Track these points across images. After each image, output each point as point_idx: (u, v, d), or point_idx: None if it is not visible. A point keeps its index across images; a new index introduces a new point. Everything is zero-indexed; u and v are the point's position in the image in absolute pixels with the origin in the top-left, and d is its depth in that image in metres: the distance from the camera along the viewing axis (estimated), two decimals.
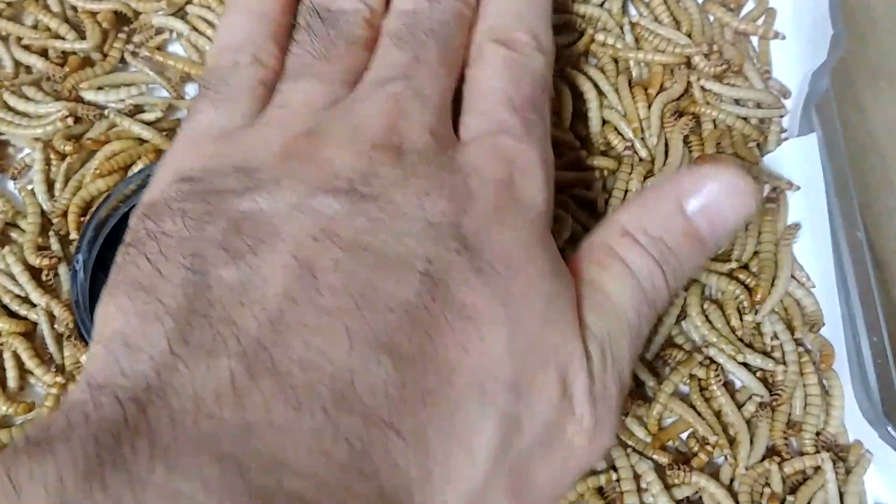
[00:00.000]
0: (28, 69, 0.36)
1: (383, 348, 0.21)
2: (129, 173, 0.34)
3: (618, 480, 0.31)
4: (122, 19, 0.37)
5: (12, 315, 0.32)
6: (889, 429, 0.31)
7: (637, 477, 0.31)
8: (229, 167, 0.25)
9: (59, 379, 0.31)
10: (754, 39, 0.39)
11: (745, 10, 0.39)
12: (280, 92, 0.28)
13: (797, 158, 0.35)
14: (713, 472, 0.31)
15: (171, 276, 0.22)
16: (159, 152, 0.35)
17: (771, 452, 0.32)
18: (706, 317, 0.33)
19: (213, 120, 0.27)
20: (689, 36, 0.38)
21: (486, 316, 0.23)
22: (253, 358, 0.20)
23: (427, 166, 0.25)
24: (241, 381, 0.20)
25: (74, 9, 0.37)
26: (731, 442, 0.32)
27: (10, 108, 0.35)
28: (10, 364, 0.31)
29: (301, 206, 0.23)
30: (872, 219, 0.44)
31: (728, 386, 0.33)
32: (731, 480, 0.31)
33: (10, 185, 0.34)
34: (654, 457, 0.31)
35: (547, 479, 0.23)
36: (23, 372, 0.31)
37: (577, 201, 0.35)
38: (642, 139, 0.36)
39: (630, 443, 0.32)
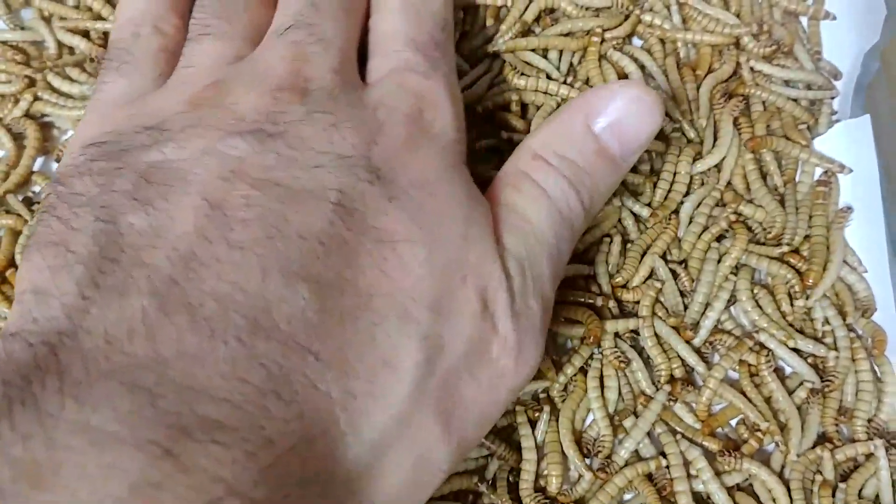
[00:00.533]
0: (71, 50, 0.36)
1: (298, 276, 0.22)
2: None
3: (667, 467, 0.30)
4: None
5: None
6: None
7: (687, 463, 0.31)
8: (139, 127, 0.25)
9: None
10: (804, 20, 0.38)
11: None
12: (184, 55, 0.28)
13: (849, 141, 0.35)
14: (764, 459, 0.31)
15: (83, 229, 0.22)
16: None
17: (822, 439, 0.31)
18: (756, 302, 0.33)
19: (119, 88, 0.27)
20: (738, 16, 0.37)
21: (404, 238, 0.23)
22: (165, 294, 0.21)
23: (334, 102, 0.25)
24: (154, 316, 0.20)
25: None
26: (782, 429, 0.31)
27: (54, 90, 0.35)
28: None
29: (209, 151, 0.24)
30: None
31: (778, 372, 0.32)
32: (782, 468, 0.31)
33: (55, 166, 0.34)
34: (704, 443, 0.31)
35: (476, 400, 0.24)
36: None
37: (625, 185, 0.34)
38: (691, 121, 0.35)
39: (679, 429, 0.31)
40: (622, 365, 0.32)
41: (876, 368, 0.32)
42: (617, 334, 0.32)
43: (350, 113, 0.25)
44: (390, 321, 0.22)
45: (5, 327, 0.21)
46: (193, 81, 0.26)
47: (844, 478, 0.31)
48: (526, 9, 0.37)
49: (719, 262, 0.33)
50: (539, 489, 0.30)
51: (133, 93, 0.27)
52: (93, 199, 0.23)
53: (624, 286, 0.33)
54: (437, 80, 0.27)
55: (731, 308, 0.33)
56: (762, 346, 0.32)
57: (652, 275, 0.33)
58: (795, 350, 0.32)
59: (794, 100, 0.36)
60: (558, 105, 0.35)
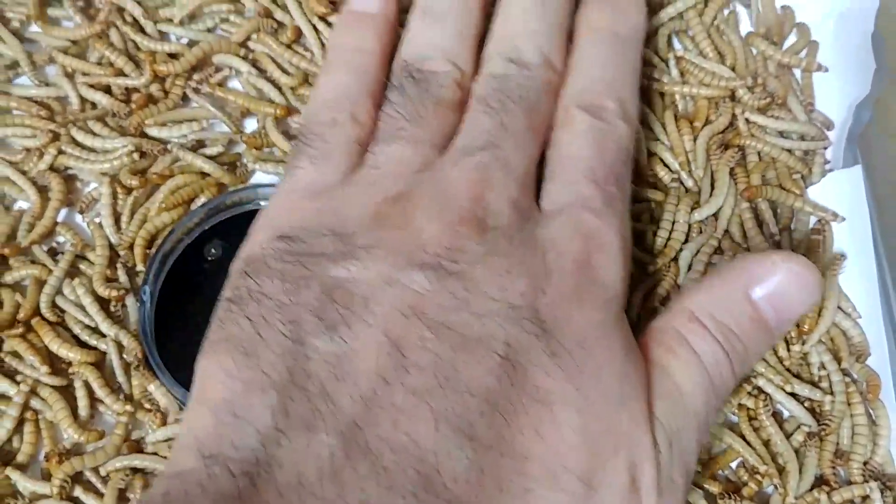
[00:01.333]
0: (93, 105, 0.37)
1: (464, 433, 0.22)
2: (193, 206, 0.36)
3: None
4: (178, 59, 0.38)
5: (83, 345, 0.33)
6: None
7: None
8: (324, 228, 0.26)
9: (128, 407, 0.32)
10: (797, 72, 0.39)
11: (787, 43, 0.40)
12: (373, 153, 0.29)
13: (842, 190, 0.36)
14: (763, 502, 0.32)
15: (272, 343, 0.24)
16: (221, 186, 0.36)
17: (819, 482, 0.32)
18: None
19: (311, 177, 0.28)
20: (734, 69, 0.39)
21: (560, 400, 0.24)
22: (349, 436, 0.22)
23: (509, 243, 0.26)
24: (339, 460, 0.21)
25: (137, 45, 0.38)
26: (781, 471, 0.32)
27: (77, 144, 0.36)
28: (80, 393, 0.32)
29: (391, 279, 0.24)
30: None
31: (776, 416, 0.33)
32: None
33: (79, 218, 0.36)
34: (705, 486, 0.32)
35: None
36: (93, 401, 0.32)
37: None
38: (689, 171, 0.37)
39: None
40: None
41: (871, 412, 0.33)
42: None
43: (523, 257, 0.26)
44: (541, 488, 0.23)
45: (200, 441, 0.22)
46: (380, 186, 0.27)
47: None
48: None
49: None
50: None
51: (323, 184, 0.28)
52: (282, 306, 0.24)
53: None
54: (610, 219, 0.28)
55: None
56: (760, 390, 0.33)
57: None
58: (793, 394, 0.33)
59: (789, 150, 0.37)
60: None
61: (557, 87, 0.31)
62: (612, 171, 0.29)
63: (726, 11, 0.41)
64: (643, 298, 0.34)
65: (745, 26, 0.41)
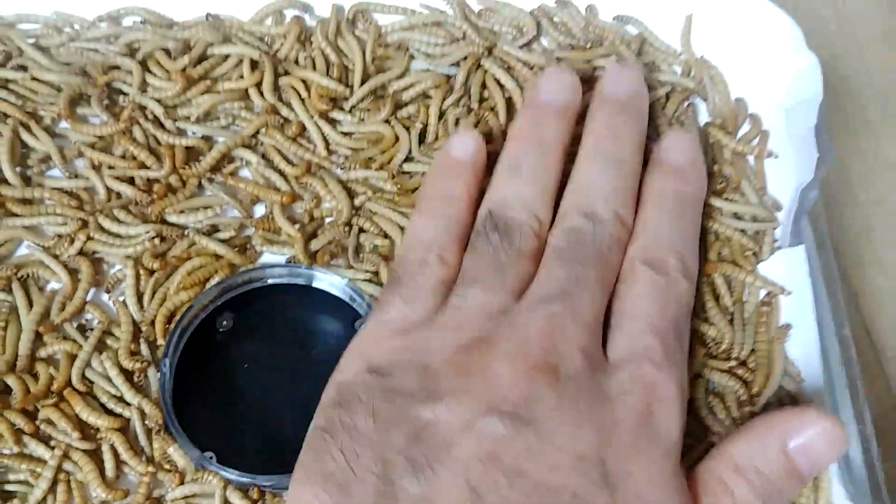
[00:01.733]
0: (119, 195, 0.41)
1: None
2: (208, 286, 0.40)
3: None
4: (194, 152, 0.43)
5: (109, 413, 0.36)
6: None
7: None
8: (412, 365, 0.29)
9: (150, 468, 0.35)
10: (751, 158, 0.44)
11: (742, 131, 0.45)
12: (457, 294, 0.32)
13: (787, 266, 0.40)
14: None
15: (364, 481, 0.27)
16: (233, 266, 0.40)
17: None
18: (710, 408, 0.38)
19: (401, 314, 0.32)
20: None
21: None
22: None
23: (578, 393, 0.29)
24: None
25: (157, 140, 0.43)
26: None
27: (104, 230, 0.40)
28: (107, 456, 0.35)
29: (471, 424, 0.27)
30: (866, 301, 0.49)
31: None
32: None
33: (105, 297, 0.40)
34: None
35: None
36: (119, 463, 0.36)
37: None
38: None
39: None
40: None
41: None
42: None
43: (591, 408, 0.28)
44: None
45: None
46: (462, 330, 0.30)
47: None
48: None
49: None
50: None
51: (411, 322, 0.31)
52: (372, 443, 0.27)
53: None
54: (671, 372, 0.30)
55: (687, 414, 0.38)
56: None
57: None
58: None
59: (742, 230, 0.42)
60: None
61: (626, 242, 0.34)
62: (672, 325, 0.32)
63: (686, 104, 0.45)
64: None
65: (704, 117, 0.45)
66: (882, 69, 0.56)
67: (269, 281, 0.41)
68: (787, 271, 0.40)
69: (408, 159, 0.43)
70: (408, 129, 0.44)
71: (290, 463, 0.36)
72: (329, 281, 0.41)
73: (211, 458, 0.36)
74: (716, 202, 0.42)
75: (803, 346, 0.39)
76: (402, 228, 0.41)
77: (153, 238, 0.40)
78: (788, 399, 0.38)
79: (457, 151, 0.38)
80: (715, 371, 0.38)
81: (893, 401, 0.47)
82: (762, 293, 0.40)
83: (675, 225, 0.35)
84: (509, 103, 0.44)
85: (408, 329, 0.31)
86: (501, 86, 0.44)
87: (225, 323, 0.41)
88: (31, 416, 0.36)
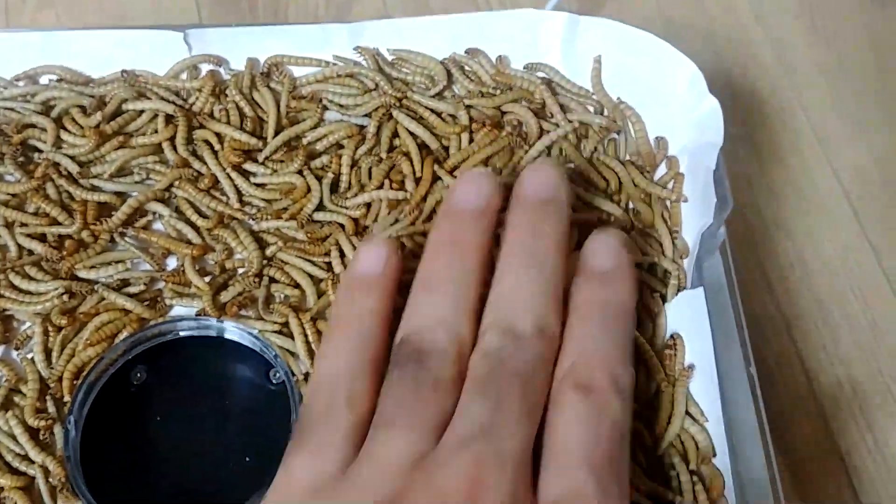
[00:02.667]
0: (30, 252, 0.42)
1: None
2: (116, 341, 0.40)
3: None
4: (107, 207, 0.43)
5: (13, 471, 0.36)
6: None
7: None
8: None
9: None
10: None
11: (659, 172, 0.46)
12: (371, 440, 0.30)
13: (690, 307, 0.41)
14: None
15: None
16: (142, 321, 0.41)
17: None
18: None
19: (307, 473, 0.29)
20: (619, 191, 0.45)
21: None
22: None
23: None
24: None
25: (70, 195, 0.43)
26: None
27: (14, 287, 0.40)
28: None
29: None
30: (800, 332, 0.50)
31: None
32: None
33: (14, 354, 0.40)
34: None
35: None
36: None
37: None
38: None
39: None
40: None
41: None
42: None
43: None
44: None
45: None
46: (375, 486, 0.28)
47: None
48: (424, 199, 0.44)
49: None
50: None
51: (321, 479, 0.29)
52: None
53: None
54: None
55: None
56: None
57: None
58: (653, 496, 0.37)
59: (650, 271, 0.43)
60: None
61: (552, 358, 0.32)
62: (607, 455, 0.29)
63: (606, 141, 0.46)
64: None
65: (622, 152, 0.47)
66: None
67: (181, 333, 0.41)
68: (689, 312, 0.41)
69: (319, 208, 0.44)
70: (320, 179, 0.44)
71: None
72: (239, 332, 0.41)
73: None
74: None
75: (706, 387, 0.39)
76: (311, 277, 0.42)
77: (62, 294, 0.40)
78: (692, 442, 0.39)
79: (364, 266, 0.35)
80: None
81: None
82: (668, 334, 0.41)
83: (603, 338, 0.33)
84: (423, 148, 0.45)
85: (318, 488, 0.29)
86: (413, 134, 0.45)
87: (139, 376, 0.41)
88: None
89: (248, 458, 0.40)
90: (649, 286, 0.42)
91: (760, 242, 0.53)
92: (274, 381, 0.41)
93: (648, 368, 0.40)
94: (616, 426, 0.30)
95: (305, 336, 0.40)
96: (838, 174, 0.55)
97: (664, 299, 0.42)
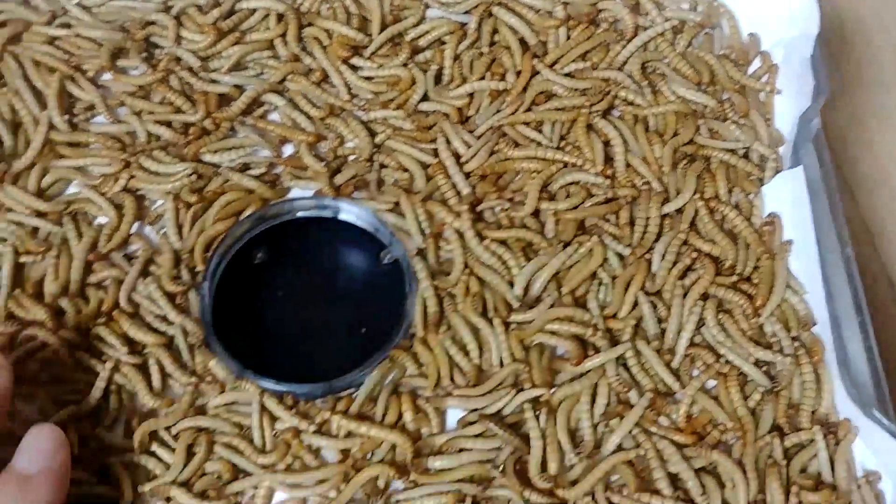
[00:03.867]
0: (158, 138, 0.44)
1: None
2: (241, 217, 0.43)
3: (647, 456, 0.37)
4: (226, 98, 0.46)
5: (154, 331, 0.39)
6: (874, 411, 0.36)
7: (660, 452, 0.37)
8: None
9: (193, 380, 0.38)
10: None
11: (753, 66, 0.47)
12: None
13: (789, 188, 0.42)
14: (729, 449, 0.38)
15: None
16: (265, 200, 0.43)
17: (775, 429, 0.38)
18: (721, 325, 0.40)
19: None
20: (713, 82, 0.46)
21: None
22: None
23: None
24: None
25: (191, 85, 0.46)
26: (742, 428, 0.38)
27: (145, 169, 0.43)
28: (154, 369, 0.38)
29: None
30: (884, 244, 0.51)
31: (741, 378, 0.39)
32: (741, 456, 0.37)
33: (148, 230, 0.43)
34: (676, 438, 0.37)
35: None
36: (164, 375, 0.39)
37: (611, 234, 0.42)
38: (659, 178, 0.43)
39: (655, 430, 0.38)
40: (625, 390, 0.38)
41: (816, 371, 0.39)
42: (619, 361, 0.39)
43: None
44: None
45: None
46: None
47: (790, 460, 0.37)
48: (524, 90, 0.46)
49: (686, 293, 0.41)
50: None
51: None
52: None
53: (613, 316, 0.40)
54: None
55: (702, 329, 0.40)
56: (728, 361, 0.39)
57: (635, 305, 0.41)
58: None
59: (746, 157, 0.44)
60: (548, 167, 0.43)
61: None
62: None
63: (701, 35, 0.48)
64: (624, 288, 0.40)
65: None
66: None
67: (299, 213, 0.44)
68: (789, 193, 0.42)
69: (424, 99, 0.46)
70: (424, 71, 0.46)
71: (321, 376, 0.39)
72: (354, 212, 0.43)
73: (249, 371, 0.39)
74: (724, 131, 0.44)
75: (806, 261, 0.41)
76: (420, 163, 0.44)
77: (190, 175, 0.43)
78: (792, 311, 0.40)
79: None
80: (720, 287, 0.40)
81: None
82: (765, 213, 0.42)
83: None
84: (522, 44, 0.47)
85: None
86: (513, 29, 0.47)
87: (260, 255, 0.44)
88: (84, 334, 0.39)
89: (363, 330, 0.42)
90: (745, 170, 0.44)
91: (843, 158, 0.53)
92: (384, 263, 0.43)
93: (749, 244, 0.41)
94: None
95: (416, 215, 0.42)
96: None
97: (762, 182, 0.43)
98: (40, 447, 0.32)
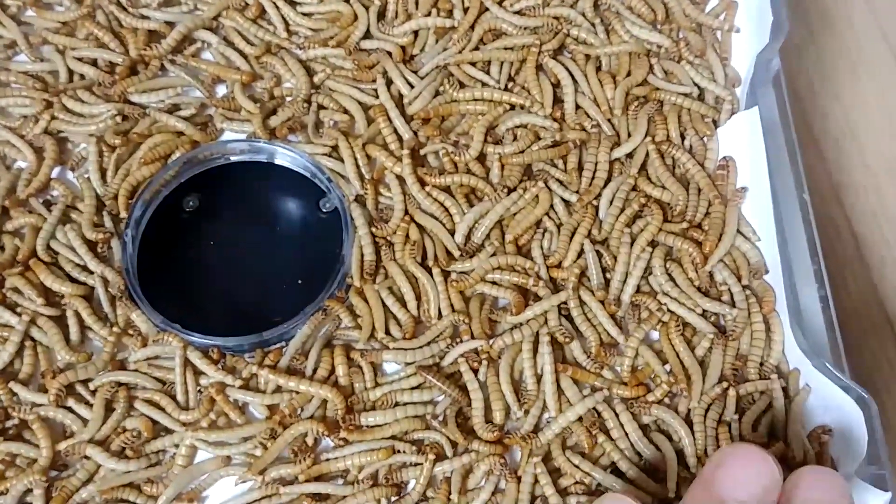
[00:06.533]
0: (81, 76, 0.42)
1: None
2: (169, 161, 0.40)
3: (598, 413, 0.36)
4: (157, 35, 0.43)
5: (73, 281, 0.37)
6: (826, 363, 0.35)
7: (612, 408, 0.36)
8: None
9: (115, 330, 0.36)
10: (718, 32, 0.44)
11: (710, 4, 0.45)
12: None
13: (745, 130, 0.40)
14: (674, 405, 0.36)
15: None
16: (195, 143, 0.41)
17: (724, 381, 0.36)
18: (669, 274, 0.38)
19: None
20: (667, 21, 0.44)
21: None
22: None
23: None
24: None
25: (119, 21, 0.43)
26: (688, 379, 0.36)
27: (68, 110, 0.41)
28: (72, 321, 0.36)
29: None
30: (850, 197, 0.49)
31: (687, 328, 0.37)
32: (689, 411, 0.36)
33: (70, 175, 0.40)
34: (619, 391, 0.36)
35: None
36: (83, 328, 0.37)
37: (557, 180, 0.40)
38: (609, 120, 0.41)
39: (602, 385, 0.36)
40: (567, 339, 0.37)
41: (766, 321, 0.37)
42: (560, 310, 0.37)
43: None
44: None
45: None
46: None
47: (741, 416, 0.36)
48: (472, 28, 0.43)
49: (634, 241, 0.39)
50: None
51: None
52: None
53: (558, 266, 0.39)
54: None
55: (649, 278, 0.38)
56: (672, 312, 0.37)
57: (580, 254, 0.39)
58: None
59: (700, 98, 0.42)
60: (495, 109, 0.41)
61: None
62: None
63: None
64: (570, 236, 0.39)
65: None
66: None
67: (232, 158, 0.41)
68: (745, 135, 0.40)
69: (366, 36, 0.43)
70: (367, 7, 0.44)
71: (253, 328, 0.37)
72: (290, 157, 0.41)
73: (174, 325, 0.37)
74: (677, 71, 0.42)
75: (759, 207, 0.39)
76: (360, 105, 0.42)
77: (115, 116, 0.40)
78: (743, 259, 0.38)
79: None
80: (669, 235, 0.39)
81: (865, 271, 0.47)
82: (719, 156, 0.41)
83: None
84: None
85: None
86: None
87: (191, 203, 0.41)
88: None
89: (299, 281, 0.40)
90: (699, 112, 0.42)
91: (810, 109, 0.51)
92: (323, 210, 0.41)
93: (700, 189, 0.40)
94: None
95: (355, 159, 0.40)
96: (888, 38, 0.53)
97: (716, 124, 0.41)
98: None
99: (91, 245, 0.38)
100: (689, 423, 0.35)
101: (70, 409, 0.35)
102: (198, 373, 0.36)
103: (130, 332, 0.37)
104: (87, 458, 0.34)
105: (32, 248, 0.38)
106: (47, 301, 0.37)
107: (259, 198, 0.42)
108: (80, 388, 0.36)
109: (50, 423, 0.35)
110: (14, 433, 0.35)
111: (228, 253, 0.41)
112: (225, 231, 0.41)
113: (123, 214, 0.39)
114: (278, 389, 0.36)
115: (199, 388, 0.36)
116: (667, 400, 0.36)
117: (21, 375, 0.36)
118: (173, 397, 0.36)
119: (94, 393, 0.35)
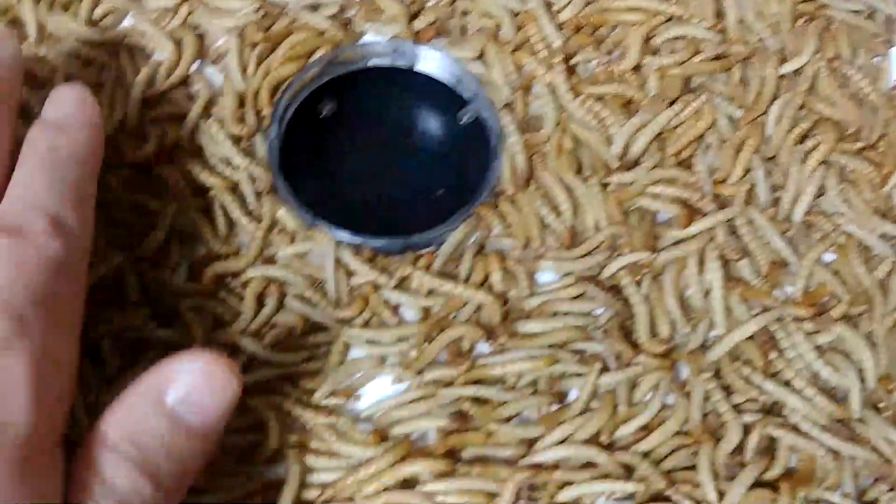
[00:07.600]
0: None
1: None
2: (310, 60, 0.39)
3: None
4: None
5: (217, 174, 0.36)
6: None
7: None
8: None
9: (263, 225, 0.35)
10: None
11: None
12: None
13: None
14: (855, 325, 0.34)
15: None
16: (336, 43, 0.39)
17: None
18: (844, 195, 0.36)
19: None
20: None
21: None
22: None
23: None
24: None
25: None
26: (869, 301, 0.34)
27: (206, 4, 0.39)
28: (219, 213, 0.35)
29: None
30: None
31: (865, 251, 0.35)
32: (869, 332, 0.34)
33: (209, 70, 0.39)
34: (797, 311, 0.34)
35: None
36: (229, 222, 0.35)
37: (721, 95, 0.38)
38: (776, 34, 0.39)
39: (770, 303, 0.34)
40: (737, 257, 0.35)
41: None
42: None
43: None
44: None
45: None
46: None
47: None
48: None
49: (805, 158, 0.37)
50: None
51: None
52: None
53: (722, 182, 0.36)
54: (19, 351, 0.25)
55: (821, 198, 0.36)
56: (849, 234, 0.35)
57: (747, 171, 0.37)
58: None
59: (871, 17, 0.39)
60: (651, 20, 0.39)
61: None
62: (27, 293, 0.26)
63: None
64: (736, 151, 0.36)
65: None
66: None
67: (373, 61, 0.40)
68: None
69: None
70: None
71: (400, 229, 0.35)
72: (435, 61, 0.39)
73: (322, 220, 0.35)
74: None
75: None
76: (508, 10, 0.40)
77: (256, 11, 0.39)
78: None
79: None
80: (843, 154, 0.36)
81: None
82: (892, 79, 0.38)
83: (42, 183, 0.29)
84: None
85: None
86: None
87: (328, 108, 0.40)
88: (142, 173, 0.35)
89: (440, 191, 0.38)
90: (871, 31, 0.39)
91: None
92: (462, 122, 0.39)
93: (876, 110, 0.37)
94: (48, 266, 0.27)
95: (504, 64, 0.38)
96: None
97: (890, 44, 0.39)
98: (67, 97, 0.32)
99: (235, 139, 0.36)
100: (870, 343, 0.33)
101: (222, 300, 0.33)
102: (349, 272, 0.34)
103: (278, 228, 0.35)
104: (237, 348, 0.33)
105: (177, 138, 0.36)
106: (193, 193, 0.35)
107: (398, 106, 0.40)
108: (230, 281, 0.34)
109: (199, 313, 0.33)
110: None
111: (367, 157, 0.39)
112: (363, 138, 0.40)
113: (266, 111, 0.37)
114: (432, 292, 0.34)
115: (350, 287, 0.34)
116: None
117: (169, 264, 0.34)
118: (325, 295, 0.34)
119: (245, 286, 0.34)
